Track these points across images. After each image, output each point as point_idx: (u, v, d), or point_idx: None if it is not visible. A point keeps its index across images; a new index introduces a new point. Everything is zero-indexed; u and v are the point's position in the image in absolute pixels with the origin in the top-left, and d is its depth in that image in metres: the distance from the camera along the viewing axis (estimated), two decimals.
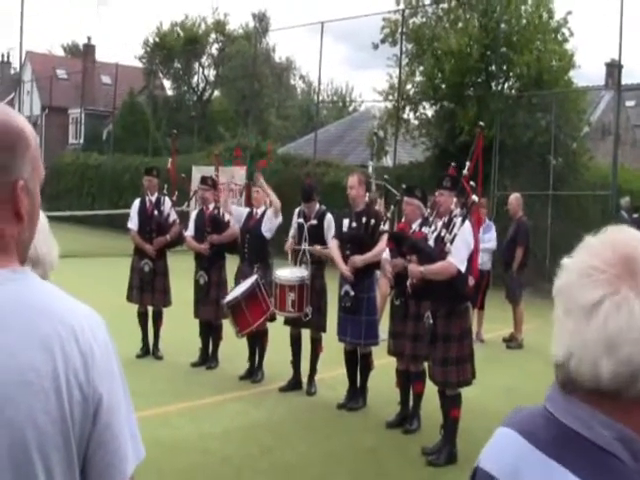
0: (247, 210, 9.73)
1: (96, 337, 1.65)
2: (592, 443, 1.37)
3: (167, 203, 10.42)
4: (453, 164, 7.81)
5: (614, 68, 31.59)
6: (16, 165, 1.66)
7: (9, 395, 1.52)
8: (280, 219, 9.32)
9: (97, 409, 1.62)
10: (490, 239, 12.22)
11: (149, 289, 10.28)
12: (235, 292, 9.11)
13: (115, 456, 1.66)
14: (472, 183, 7.10)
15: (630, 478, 1.35)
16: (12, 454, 1.51)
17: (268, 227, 9.28)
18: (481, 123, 8.02)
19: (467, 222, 6.82)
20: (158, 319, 10.43)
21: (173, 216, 10.45)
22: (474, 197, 6.89)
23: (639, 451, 1.36)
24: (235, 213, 9.70)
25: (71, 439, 1.57)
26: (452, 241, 6.72)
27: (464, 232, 6.77)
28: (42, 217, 2.42)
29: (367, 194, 8.58)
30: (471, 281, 6.87)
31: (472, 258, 6.86)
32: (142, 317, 10.44)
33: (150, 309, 10.44)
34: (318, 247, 8.70)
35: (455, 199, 6.99)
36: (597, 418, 1.38)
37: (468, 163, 7.27)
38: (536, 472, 1.42)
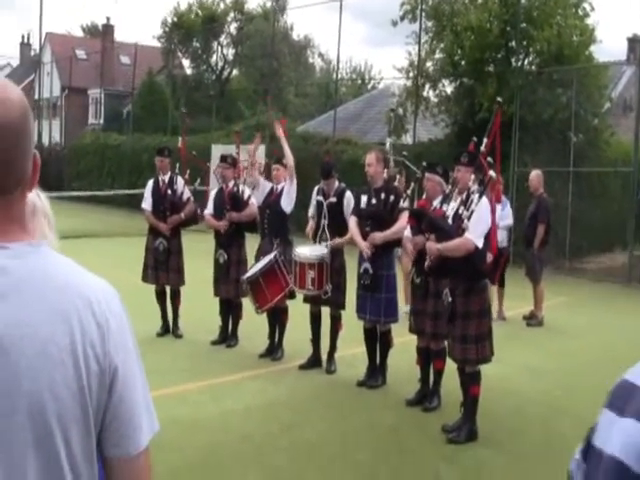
0: (270, 185, 9.68)
1: (111, 309, 1.68)
2: None
3: (180, 182, 10.44)
4: (474, 139, 7.74)
5: (636, 43, 31.31)
6: (28, 143, 1.65)
7: (30, 367, 1.54)
8: (295, 185, 9.27)
9: (113, 381, 1.66)
10: (506, 216, 12.13)
11: (164, 268, 10.31)
12: (254, 268, 9.12)
13: (130, 427, 1.70)
14: (490, 159, 7.04)
15: None
16: (33, 424, 1.54)
17: (287, 199, 9.25)
18: (499, 99, 7.95)
19: (484, 198, 6.76)
20: (176, 298, 10.46)
21: (187, 194, 10.46)
22: (491, 173, 6.83)
23: None
24: (260, 186, 9.61)
25: (89, 410, 1.61)
26: (469, 217, 6.68)
27: (481, 208, 6.72)
28: (44, 198, 2.45)
29: (386, 170, 8.53)
30: (489, 257, 6.82)
31: (490, 234, 6.82)
32: (160, 296, 10.48)
33: (167, 288, 10.48)
34: (337, 240, 8.69)
35: (473, 175, 6.94)
36: None
37: (485, 139, 7.22)
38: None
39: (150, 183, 10.62)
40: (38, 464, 1.56)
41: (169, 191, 10.36)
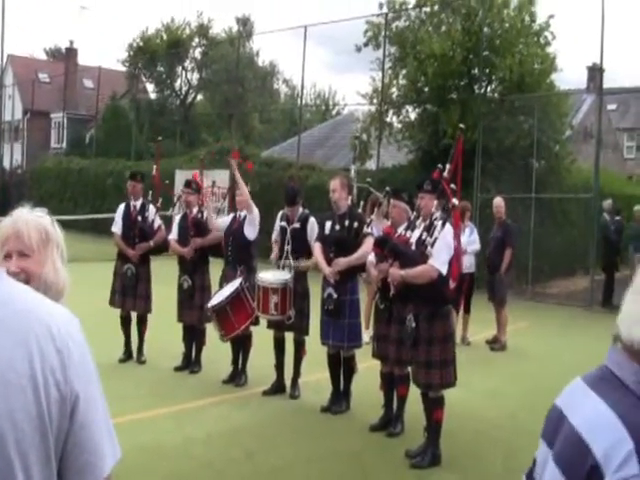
0: (231, 216, 9.70)
1: (72, 337, 1.67)
2: (622, 382, 1.69)
3: (151, 210, 10.38)
4: (440, 166, 7.80)
5: (596, 72, 31.72)
6: None
7: None
8: (256, 213, 9.27)
9: (74, 408, 1.64)
10: (474, 241, 12.23)
11: (131, 294, 10.23)
12: (219, 296, 9.07)
13: (92, 454, 1.68)
14: (452, 186, 7.10)
15: None
16: None
17: (250, 228, 9.25)
18: (461, 125, 8.04)
19: (448, 225, 6.83)
20: (142, 324, 10.38)
21: (158, 222, 10.41)
22: (454, 200, 6.89)
23: None
24: (222, 226, 9.62)
25: (49, 437, 1.59)
26: (433, 244, 6.73)
27: (445, 235, 6.78)
28: (58, 229, 2.45)
29: (350, 197, 8.57)
30: (451, 284, 6.87)
31: (452, 261, 6.87)
32: (125, 321, 10.39)
33: (134, 314, 10.39)
34: (302, 263, 8.70)
35: (436, 202, 6.99)
36: (628, 364, 1.69)
37: (448, 166, 7.28)
38: (579, 398, 1.78)
39: (121, 207, 10.53)
40: None
41: (139, 218, 10.28)
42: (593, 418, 1.67)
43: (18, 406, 1.55)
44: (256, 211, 9.30)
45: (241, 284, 8.98)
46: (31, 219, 2.50)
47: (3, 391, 1.54)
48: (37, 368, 1.58)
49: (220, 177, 22.43)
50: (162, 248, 10.33)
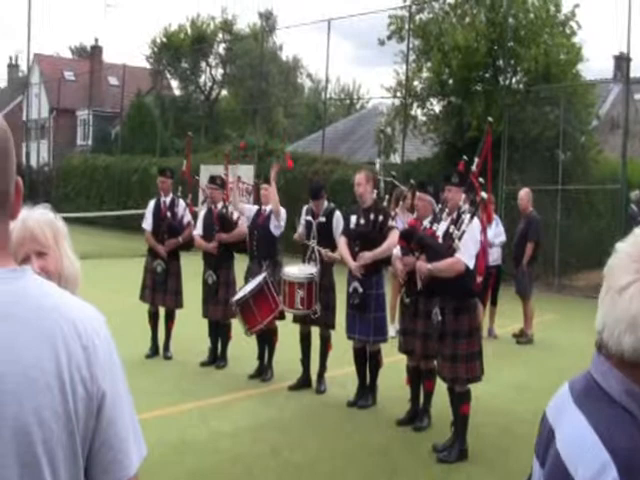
0: (256, 208, 9.70)
1: (98, 333, 1.67)
2: (606, 394, 1.63)
3: (181, 205, 10.44)
4: (465, 158, 7.75)
5: (622, 61, 31.40)
6: (11, 167, 1.64)
7: (14, 391, 1.52)
8: (283, 218, 9.27)
9: (100, 405, 1.64)
10: (500, 233, 12.14)
11: (161, 290, 10.28)
12: (243, 290, 9.08)
13: (119, 452, 1.68)
14: (481, 179, 7.05)
15: (636, 429, 1.56)
16: (18, 449, 1.52)
17: (275, 224, 9.24)
18: (490, 119, 7.96)
19: (475, 219, 6.78)
20: (170, 320, 10.42)
21: (187, 218, 10.45)
22: (483, 194, 6.84)
23: None
24: (246, 212, 9.65)
25: (76, 435, 1.59)
26: (460, 237, 6.68)
27: (472, 229, 6.73)
28: (63, 227, 2.46)
29: (375, 190, 8.55)
30: (478, 278, 6.83)
31: (479, 255, 6.82)
32: (153, 317, 10.44)
33: (162, 309, 10.43)
34: (329, 253, 8.68)
35: (464, 195, 6.94)
36: (613, 373, 1.63)
37: (477, 159, 7.22)
38: (565, 413, 1.72)
39: (152, 203, 10.59)
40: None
41: (169, 214, 10.34)
42: (574, 441, 1.63)
43: (45, 404, 1.55)
44: (283, 212, 9.30)
45: (265, 278, 8.98)
46: (40, 217, 2.51)
47: (29, 389, 1.53)
48: (63, 365, 1.58)
49: (245, 173, 22.50)
50: (191, 244, 10.36)
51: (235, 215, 9.90)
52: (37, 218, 2.45)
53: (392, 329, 9.61)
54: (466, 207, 6.89)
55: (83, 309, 1.69)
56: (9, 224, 1.66)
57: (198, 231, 10.08)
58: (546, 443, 1.74)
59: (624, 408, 1.60)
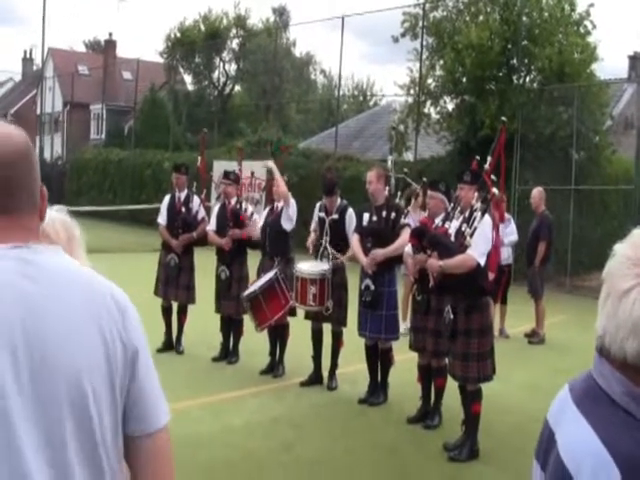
0: (267, 209, 9.75)
1: (129, 303, 1.89)
2: (607, 395, 1.63)
3: (196, 201, 10.50)
4: (477, 157, 7.76)
5: (637, 61, 31.40)
6: (37, 176, 1.84)
7: (69, 342, 1.72)
8: (293, 206, 9.28)
9: (135, 361, 1.84)
10: (511, 232, 12.12)
11: (174, 284, 10.33)
12: (254, 286, 9.11)
13: (151, 405, 1.89)
14: (494, 177, 7.06)
15: (637, 432, 1.56)
16: (70, 394, 1.70)
17: (286, 220, 9.26)
18: (503, 118, 7.97)
19: (487, 216, 6.79)
20: (182, 314, 10.46)
21: (202, 214, 10.50)
22: (494, 190, 6.85)
23: None
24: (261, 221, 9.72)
25: (116, 385, 1.79)
26: (472, 235, 6.69)
27: (484, 226, 6.74)
28: (77, 229, 2.54)
29: (387, 188, 8.57)
30: (490, 276, 6.84)
31: (491, 253, 6.83)
32: (166, 312, 10.47)
33: (175, 304, 10.48)
34: (342, 257, 8.71)
35: (476, 193, 6.95)
36: (615, 375, 1.63)
37: (489, 158, 7.23)
38: (565, 415, 1.72)
39: (167, 198, 10.66)
40: (73, 426, 1.71)
41: (184, 209, 10.39)
42: (576, 443, 1.62)
43: (92, 353, 1.74)
44: (293, 204, 9.31)
45: (276, 274, 9.01)
46: (54, 217, 2.56)
47: (79, 338, 1.73)
48: (104, 320, 1.77)
49: (258, 168, 22.51)
50: (205, 240, 10.40)
51: (249, 210, 9.95)
52: (50, 217, 2.48)
53: (403, 326, 9.61)
54: (478, 205, 6.89)
55: (110, 283, 1.89)
56: (37, 222, 1.85)
57: (212, 227, 10.12)
58: (546, 446, 1.75)
59: (625, 410, 1.60)
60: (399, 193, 9.36)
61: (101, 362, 1.75)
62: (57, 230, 2.51)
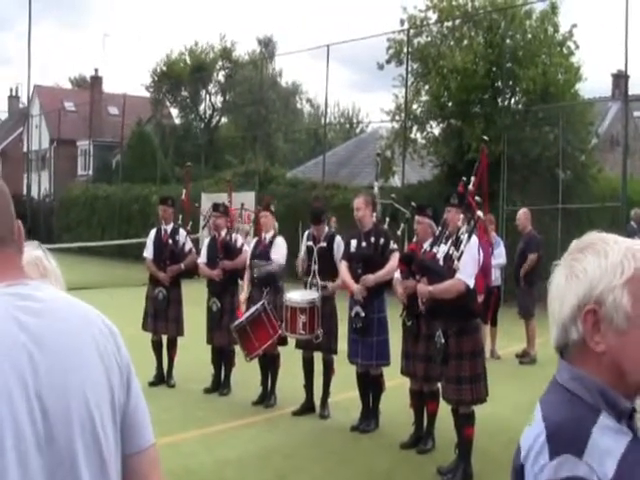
0: (255, 240, 9.77)
1: (114, 326, 1.95)
2: (561, 385, 1.74)
3: (182, 233, 10.51)
4: (464, 179, 7.77)
5: (621, 79, 31.55)
6: (12, 214, 1.89)
7: (74, 364, 1.77)
8: (283, 254, 9.36)
9: (129, 379, 1.91)
10: (499, 255, 12.11)
11: (163, 317, 10.30)
12: (243, 317, 9.12)
13: (142, 425, 1.95)
14: (478, 199, 7.07)
15: (585, 413, 1.65)
16: (79, 412, 1.75)
17: (277, 254, 9.28)
18: (485, 137, 7.99)
19: (473, 237, 6.80)
20: (172, 347, 10.43)
21: (189, 245, 10.53)
22: (479, 212, 6.86)
23: (594, 389, 1.68)
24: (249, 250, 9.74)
25: (116, 406, 1.85)
26: (459, 258, 6.69)
27: (471, 248, 6.75)
28: (54, 262, 2.58)
29: (374, 214, 8.57)
30: (479, 298, 6.83)
31: (477, 275, 6.82)
32: (156, 346, 10.44)
33: (164, 337, 10.43)
34: (330, 286, 8.71)
35: (462, 215, 6.96)
36: (562, 365, 1.76)
37: (473, 178, 7.24)
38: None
39: (153, 232, 10.67)
40: (82, 445, 1.75)
41: (170, 241, 10.38)
42: (527, 434, 1.74)
43: (95, 376, 1.80)
44: (283, 245, 9.40)
45: (263, 304, 9.02)
46: (25, 255, 2.53)
47: (83, 362, 1.79)
48: (102, 348, 1.84)
49: (248, 199, 22.52)
50: (193, 271, 10.39)
51: (239, 242, 9.96)
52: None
53: None
54: (465, 227, 6.90)
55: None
56: (20, 256, 1.92)
57: (202, 259, 10.12)
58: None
59: (572, 393, 1.70)
60: (387, 219, 9.34)
61: (103, 383, 1.82)
62: (27, 270, 2.49)
